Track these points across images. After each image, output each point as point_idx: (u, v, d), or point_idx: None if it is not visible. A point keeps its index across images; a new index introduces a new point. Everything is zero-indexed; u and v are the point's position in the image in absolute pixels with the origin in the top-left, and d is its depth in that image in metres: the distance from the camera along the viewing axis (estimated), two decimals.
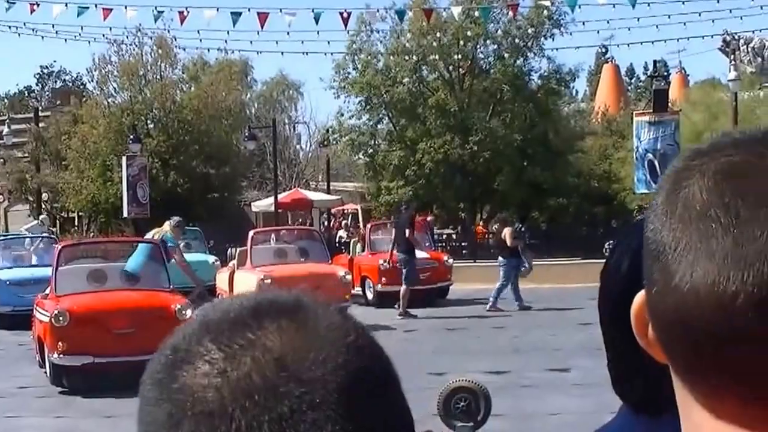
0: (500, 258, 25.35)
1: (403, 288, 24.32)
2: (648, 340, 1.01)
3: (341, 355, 0.94)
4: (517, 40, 45.42)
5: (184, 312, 15.77)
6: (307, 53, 37.32)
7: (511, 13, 40.77)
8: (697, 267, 0.91)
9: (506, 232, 25.38)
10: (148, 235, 19.45)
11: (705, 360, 0.92)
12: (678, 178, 0.98)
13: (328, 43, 39.10)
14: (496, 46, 46.50)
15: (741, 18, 50.32)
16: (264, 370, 0.91)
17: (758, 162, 0.93)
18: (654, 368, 1.08)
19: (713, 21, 39.06)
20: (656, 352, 1.00)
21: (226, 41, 53.23)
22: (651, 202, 1.01)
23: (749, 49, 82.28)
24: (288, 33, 34.12)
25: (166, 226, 19.87)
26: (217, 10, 31.49)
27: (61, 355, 15.39)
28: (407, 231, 24.59)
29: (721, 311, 0.89)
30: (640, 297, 1.02)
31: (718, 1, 31.19)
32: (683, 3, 32.54)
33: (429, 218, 30.92)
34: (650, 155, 34.92)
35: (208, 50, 58.25)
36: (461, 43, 44.50)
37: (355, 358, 0.95)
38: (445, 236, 36.16)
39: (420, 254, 27.45)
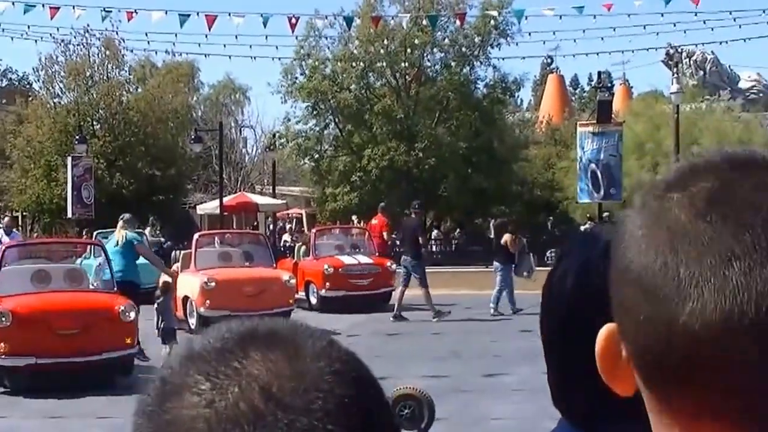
0: (495, 263, 25.55)
1: (423, 291, 24.21)
2: (616, 373, 1.02)
3: (326, 383, 0.94)
4: (464, 49, 45.72)
5: (128, 314, 15.87)
6: (254, 57, 37.35)
7: (458, 22, 41.00)
8: (708, 301, 0.92)
9: (506, 238, 25.58)
10: (111, 242, 19.40)
11: (701, 386, 0.94)
12: (661, 206, 0.99)
13: (276, 47, 39.41)
14: (443, 55, 46.80)
15: (684, 32, 51.01)
16: (250, 398, 0.92)
17: (737, 189, 0.96)
18: (596, 385, 1.08)
19: (657, 34, 39.43)
20: (623, 384, 1.02)
21: (173, 43, 53.17)
22: (622, 227, 1.02)
23: (692, 63, 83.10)
24: (236, 37, 34.15)
25: (120, 224, 19.79)
26: (166, 12, 31.47)
27: (4, 356, 15.41)
28: (419, 235, 24.55)
29: (733, 342, 0.91)
30: (608, 330, 1.03)
31: (662, 15, 31.38)
32: (628, 16, 33.00)
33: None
34: (593, 165, 35.14)
35: (156, 52, 58.16)
36: (408, 50, 44.75)
37: (341, 386, 0.95)
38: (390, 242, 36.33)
39: (363, 259, 27.74)
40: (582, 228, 35.68)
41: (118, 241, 19.05)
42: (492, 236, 27.59)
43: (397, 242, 26.91)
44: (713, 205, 0.95)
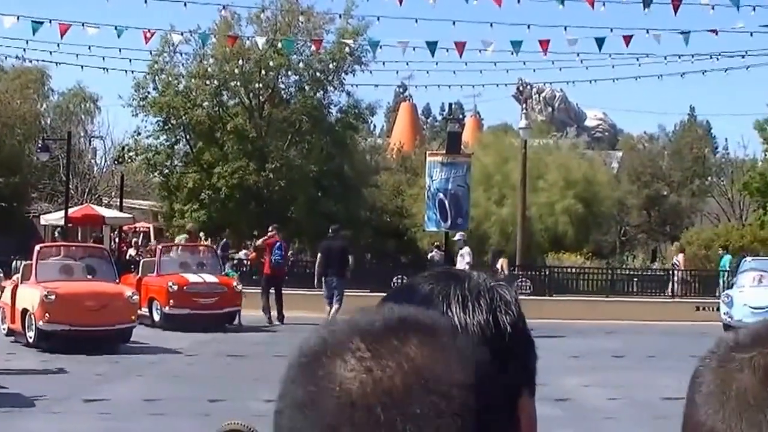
0: None
1: (335, 307, 25.53)
2: None
3: (469, 377, 1.09)
4: (318, 74, 45.87)
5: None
6: (107, 69, 36.68)
7: (314, 47, 41.13)
8: None
9: (502, 263, 27.73)
10: None
11: None
12: (728, 371, 1.12)
13: (130, 61, 38.51)
14: (297, 78, 46.88)
15: (534, 70, 51.74)
16: (405, 375, 1.06)
17: None
18: None
19: (507, 71, 40.15)
20: None
21: (24, 50, 52.03)
22: (695, 387, 1.18)
23: (541, 99, 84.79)
24: (89, 47, 33.50)
25: None
26: (18, 18, 30.87)
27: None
28: (348, 256, 26.43)
29: None
30: None
31: (511, 53, 31.92)
32: (479, 52, 33.40)
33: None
34: (441, 195, 35.52)
35: (6, 57, 56.87)
36: (263, 72, 44.73)
37: (481, 382, 1.09)
38: (236, 261, 36.21)
39: (209, 278, 27.62)
40: (429, 255, 36.13)
41: None
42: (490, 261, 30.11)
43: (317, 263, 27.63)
44: None
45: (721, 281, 37.83)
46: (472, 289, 1.56)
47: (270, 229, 31.54)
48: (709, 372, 1.14)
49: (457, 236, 29.87)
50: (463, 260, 28.59)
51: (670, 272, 38.62)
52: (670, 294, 37.08)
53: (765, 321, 1.16)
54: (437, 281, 1.58)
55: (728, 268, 37.84)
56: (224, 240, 39.63)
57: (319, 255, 27.74)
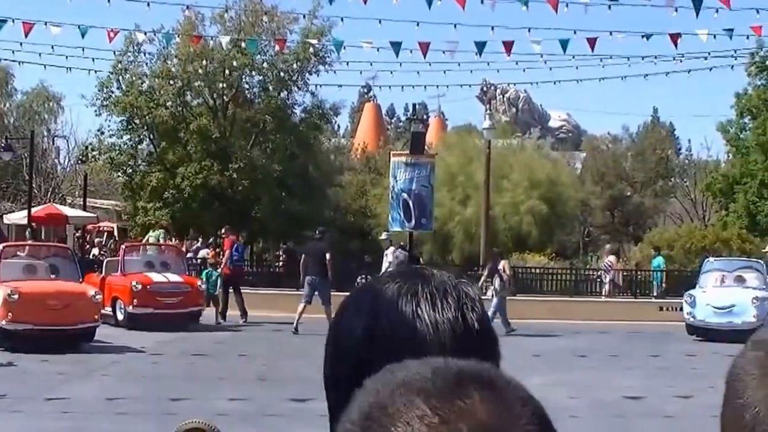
0: (497, 286, 27.73)
1: (325, 308, 25.33)
2: None
3: (532, 425, 1.05)
4: (282, 74, 45.75)
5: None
6: (70, 69, 36.46)
7: (278, 47, 41.06)
8: None
9: (504, 264, 28.26)
10: None
11: None
12: None
13: (93, 60, 38.33)
14: (261, 78, 46.77)
15: (498, 71, 51.93)
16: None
17: None
18: None
19: (471, 71, 40.17)
20: None
21: None
22: (738, 390, 1.18)
23: (505, 99, 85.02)
24: (52, 47, 33.31)
25: None
26: None
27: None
28: (329, 258, 26.80)
29: None
30: None
31: (475, 54, 31.98)
32: (443, 53, 33.45)
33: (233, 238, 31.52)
34: (405, 195, 35.58)
35: None
36: (227, 72, 44.59)
37: (540, 425, 1.07)
38: (199, 260, 36.08)
39: (173, 277, 27.59)
40: (393, 254, 36.15)
41: None
42: (488, 263, 30.00)
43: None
44: None
45: (655, 282, 38.32)
46: (439, 286, 1.57)
47: (223, 230, 31.82)
48: (759, 373, 1.16)
49: (384, 235, 30.02)
50: (387, 259, 28.71)
51: (602, 273, 38.69)
52: (606, 294, 37.25)
53: None
54: (404, 279, 1.60)
55: (662, 269, 38.60)
56: (200, 240, 39.50)
57: (303, 256, 28.06)
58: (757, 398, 1.14)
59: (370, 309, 1.58)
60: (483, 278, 28.98)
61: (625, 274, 39.39)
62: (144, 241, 33.16)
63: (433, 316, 1.53)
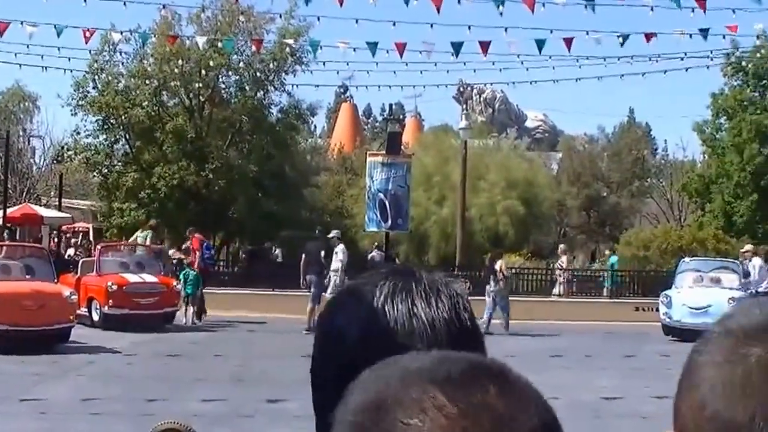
0: (492, 286, 28.35)
1: (310, 306, 26.49)
2: None
3: (541, 415, 1.06)
4: (258, 74, 45.65)
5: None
6: (46, 68, 36.35)
7: (254, 47, 40.98)
8: None
9: (501, 264, 28.81)
10: None
11: None
12: (746, 367, 1.10)
13: (69, 60, 38.25)
14: (238, 78, 46.63)
15: (474, 71, 51.94)
16: (503, 425, 1.01)
17: None
18: None
19: (448, 71, 40.37)
20: None
21: None
22: (697, 370, 1.15)
23: (482, 100, 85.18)
24: (28, 46, 33.21)
25: None
26: None
27: None
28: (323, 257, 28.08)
29: None
30: None
31: (451, 55, 31.99)
32: (420, 53, 33.44)
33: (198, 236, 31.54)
34: (381, 195, 35.61)
35: None
36: (203, 71, 44.45)
37: (548, 417, 1.08)
38: (175, 261, 35.95)
39: (148, 278, 27.55)
40: (369, 255, 36.15)
41: None
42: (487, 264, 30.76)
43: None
44: None
45: (606, 283, 38.57)
46: (432, 285, 1.58)
47: (188, 231, 31.90)
48: (721, 365, 1.13)
49: (332, 233, 30.05)
50: (337, 258, 28.74)
51: (556, 273, 38.73)
52: (557, 294, 37.32)
53: (761, 305, 1.18)
54: (397, 277, 1.60)
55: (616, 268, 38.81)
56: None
57: (303, 256, 28.50)
58: (705, 377, 1.13)
59: (364, 307, 1.58)
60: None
61: (583, 274, 39.51)
62: (131, 241, 32.84)
63: (429, 314, 1.54)
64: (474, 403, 1.01)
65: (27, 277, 23.51)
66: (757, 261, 31.97)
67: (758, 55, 44.35)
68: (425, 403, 1.01)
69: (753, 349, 1.11)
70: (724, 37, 33.72)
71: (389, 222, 35.80)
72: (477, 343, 1.55)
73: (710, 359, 1.14)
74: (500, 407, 1.02)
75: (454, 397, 1.01)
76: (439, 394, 1.01)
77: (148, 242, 31.30)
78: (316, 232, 29.23)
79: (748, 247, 34.34)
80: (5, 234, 35.42)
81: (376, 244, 38.79)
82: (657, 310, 29.45)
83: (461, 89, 61.34)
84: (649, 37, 30.94)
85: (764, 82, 48.92)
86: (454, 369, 1.05)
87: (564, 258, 38.96)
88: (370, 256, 36.96)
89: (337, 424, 1.07)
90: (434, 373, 1.04)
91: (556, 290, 37.55)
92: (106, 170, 47.01)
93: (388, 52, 32.74)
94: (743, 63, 46.69)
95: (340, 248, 29.15)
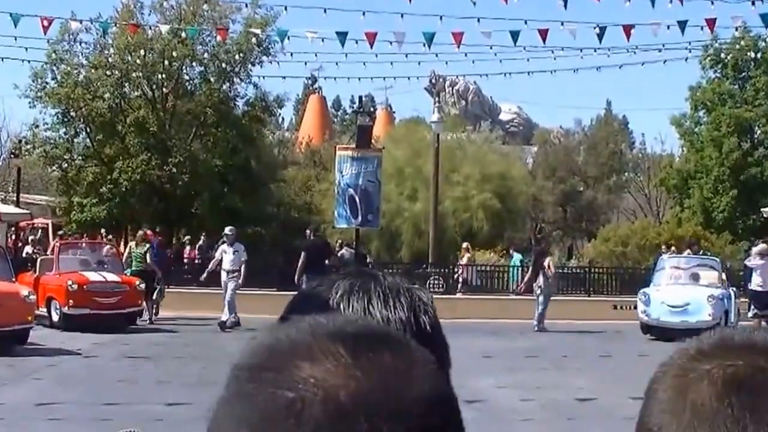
0: (537, 285, 28.61)
1: None
2: None
3: (433, 384, 1.06)
4: (224, 65, 44.91)
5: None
6: (2, 58, 35.47)
7: (219, 37, 40.18)
8: None
9: (548, 262, 29.07)
10: None
11: None
12: (686, 381, 1.10)
13: (26, 49, 37.39)
14: (202, 69, 45.97)
15: (446, 63, 51.67)
16: (387, 386, 1.02)
17: (761, 375, 1.07)
18: None
19: (420, 63, 39.97)
20: None
21: None
22: (651, 392, 1.15)
23: (454, 92, 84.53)
24: None
25: None
26: None
27: None
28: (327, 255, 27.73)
29: None
30: None
31: (423, 45, 31.54)
32: (390, 44, 32.77)
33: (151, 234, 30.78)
34: (351, 190, 35.10)
35: None
36: (167, 62, 43.59)
37: (440, 388, 1.09)
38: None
39: (110, 276, 27.00)
40: (339, 253, 35.16)
41: None
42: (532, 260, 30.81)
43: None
44: (738, 390, 1.07)
45: (511, 281, 37.51)
46: (392, 286, 1.58)
47: (140, 230, 31.92)
48: (668, 380, 1.13)
49: (227, 230, 28.82)
50: (227, 258, 27.71)
51: (457, 271, 37.58)
52: (459, 292, 36.34)
53: (726, 330, 1.17)
54: (356, 278, 1.60)
55: (519, 265, 37.71)
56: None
57: (303, 254, 27.80)
58: (661, 423, 1.14)
59: (318, 306, 1.55)
60: (528, 276, 30.12)
61: (568, 272, 39.01)
62: (125, 258, 30.87)
63: (385, 314, 1.54)
64: (369, 357, 1.04)
65: None
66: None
67: (737, 47, 43.77)
68: (321, 348, 1.04)
69: (699, 365, 1.12)
70: (702, 29, 33.05)
71: (360, 218, 35.19)
72: (435, 346, 1.38)
73: (661, 375, 1.16)
74: (392, 368, 1.04)
75: (351, 350, 1.04)
76: (339, 345, 1.04)
77: (148, 259, 29.64)
78: (308, 231, 28.45)
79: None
80: None
81: (339, 241, 37.84)
82: (635, 308, 28.73)
83: (433, 81, 60.59)
84: (628, 30, 30.40)
85: (743, 74, 48.50)
86: (359, 330, 1.09)
87: (468, 255, 37.64)
88: (339, 253, 36.05)
89: (236, 363, 1.11)
90: (339, 329, 1.08)
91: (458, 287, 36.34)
92: (65, 164, 46.35)
93: (357, 42, 32.36)
94: (722, 55, 46.17)
95: (224, 246, 28.12)
